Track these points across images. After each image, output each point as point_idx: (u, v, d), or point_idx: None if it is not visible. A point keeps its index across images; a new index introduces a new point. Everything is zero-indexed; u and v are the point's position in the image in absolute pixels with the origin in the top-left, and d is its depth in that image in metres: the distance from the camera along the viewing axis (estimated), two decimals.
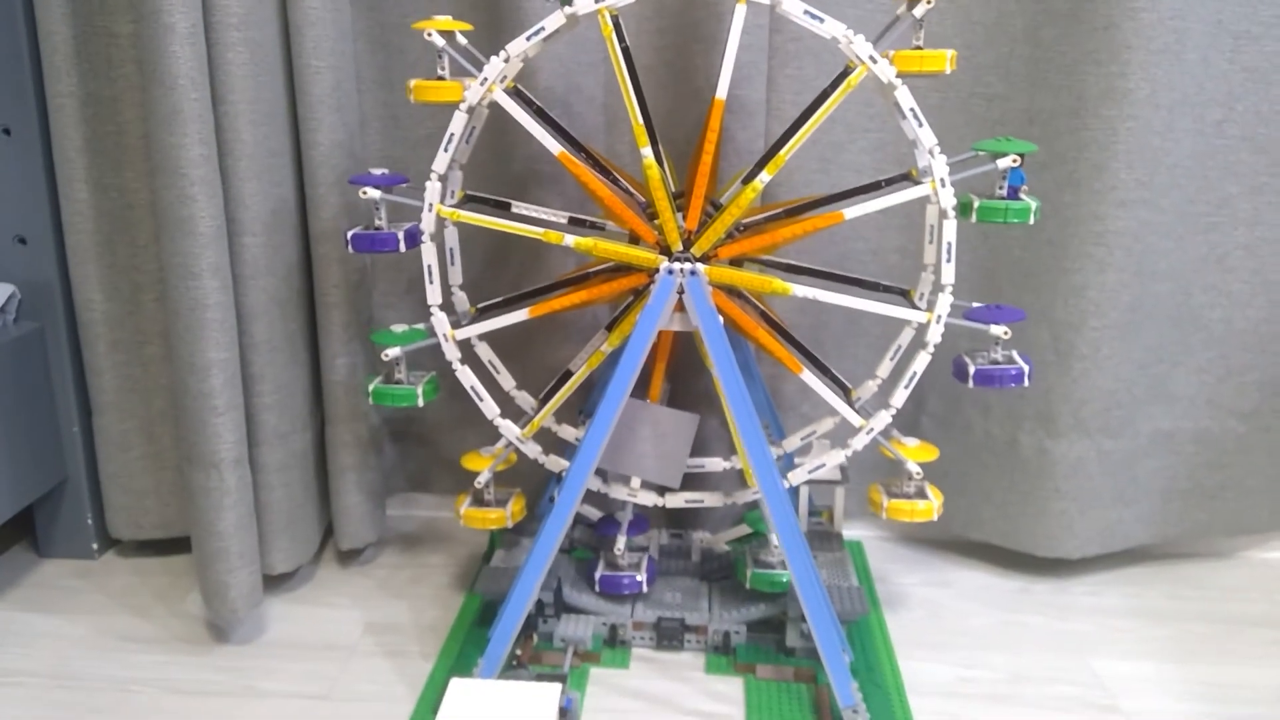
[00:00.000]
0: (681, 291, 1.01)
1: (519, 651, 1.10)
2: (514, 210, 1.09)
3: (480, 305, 1.12)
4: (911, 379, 1.06)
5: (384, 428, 1.41)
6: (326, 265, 1.20)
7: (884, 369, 1.10)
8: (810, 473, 1.11)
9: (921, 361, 1.05)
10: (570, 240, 1.03)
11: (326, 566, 1.36)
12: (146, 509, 1.33)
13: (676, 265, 1.01)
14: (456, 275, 1.10)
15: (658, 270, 1.02)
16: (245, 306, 1.14)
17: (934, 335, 1.05)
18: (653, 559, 1.18)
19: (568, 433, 1.18)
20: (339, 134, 1.17)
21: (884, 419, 1.07)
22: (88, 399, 1.29)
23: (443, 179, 1.03)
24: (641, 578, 1.13)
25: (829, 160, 1.28)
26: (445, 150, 1.02)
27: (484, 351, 1.14)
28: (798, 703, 1.07)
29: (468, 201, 1.10)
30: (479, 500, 1.15)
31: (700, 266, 1.02)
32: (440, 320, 1.09)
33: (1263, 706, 1.09)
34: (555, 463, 1.14)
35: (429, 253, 1.05)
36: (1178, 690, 1.12)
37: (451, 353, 1.09)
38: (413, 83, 1.03)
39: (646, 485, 1.12)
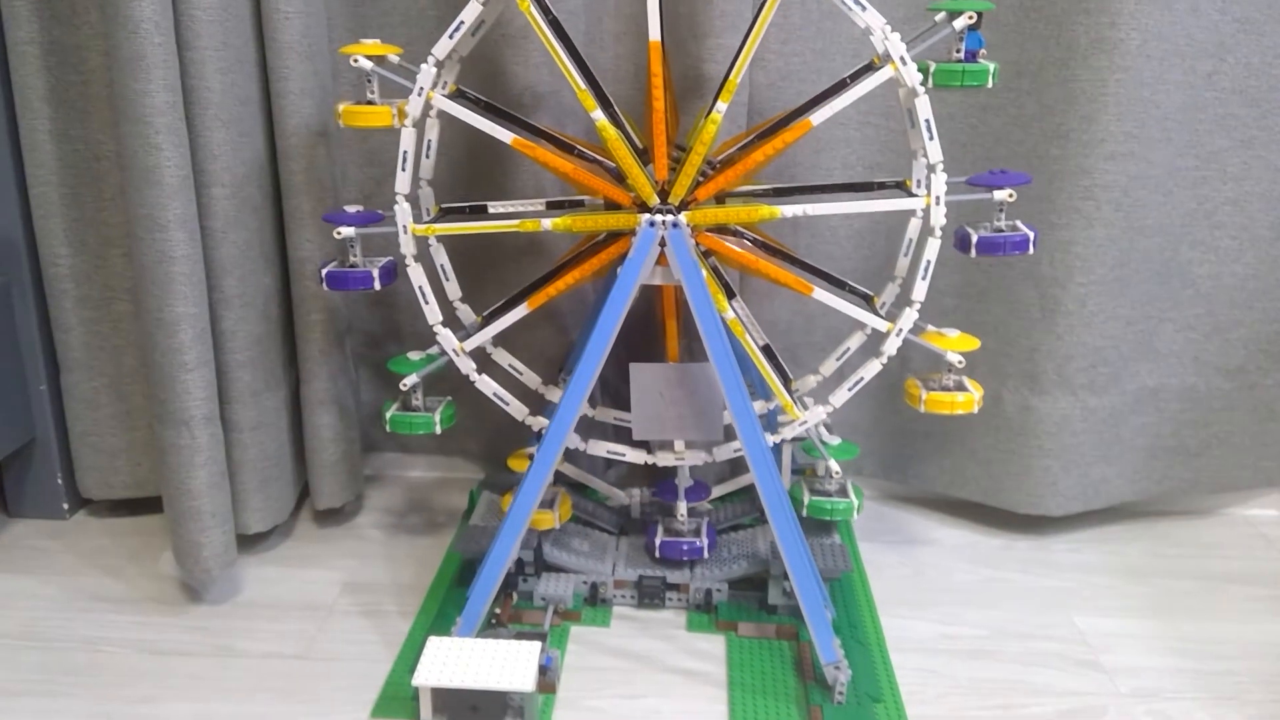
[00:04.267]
0: (664, 244, 0.99)
1: (498, 610, 1.09)
2: (491, 211, 1.06)
3: (485, 312, 1.09)
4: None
5: (361, 385, 1.38)
6: (299, 220, 1.17)
7: (889, 292, 1.10)
8: (850, 389, 1.06)
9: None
10: (547, 223, 1.01)
11: (303, 526, 1.34)
12: (117, 468, 1.30)
13: (658, 218, 0.99)
14: (454, 290, 1.08)
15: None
16: (216, 260, 1.11)
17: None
18: (712, 525, 1.16)
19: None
20: (308, 82, 1.14)
21: (910, 317, 1.03)
22: (55, 356, 1.26)
23: (410, 198, 1.01)
24: (703, 543, 1.12)
25: (823, 152, 1.26)
26: (403, 169, 0.99)
27: (502, 357, 1.12)
28: (780, 660, 1.06)
29: (444, 215, 1.07)
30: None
31: (681, 216, 0.99)
32: (446, 337, 1.06)
33: (1242, 661, 1.09)
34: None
35: (417, 274, 1.03)
36: (1158, 646, 1.12)
37: (466, 366, 1.07)
38: (341, 108, 1.00)
39: (692, 445, 1.10)
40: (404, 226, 1.03)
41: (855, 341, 1.11)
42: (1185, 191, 1.24)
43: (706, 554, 1.13)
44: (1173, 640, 1.13)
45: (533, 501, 1.03)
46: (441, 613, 1.13)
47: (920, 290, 1.02)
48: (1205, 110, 1.21)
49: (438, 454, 1.45)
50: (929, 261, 1.01)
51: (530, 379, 1.13)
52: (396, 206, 1.03)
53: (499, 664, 0.92)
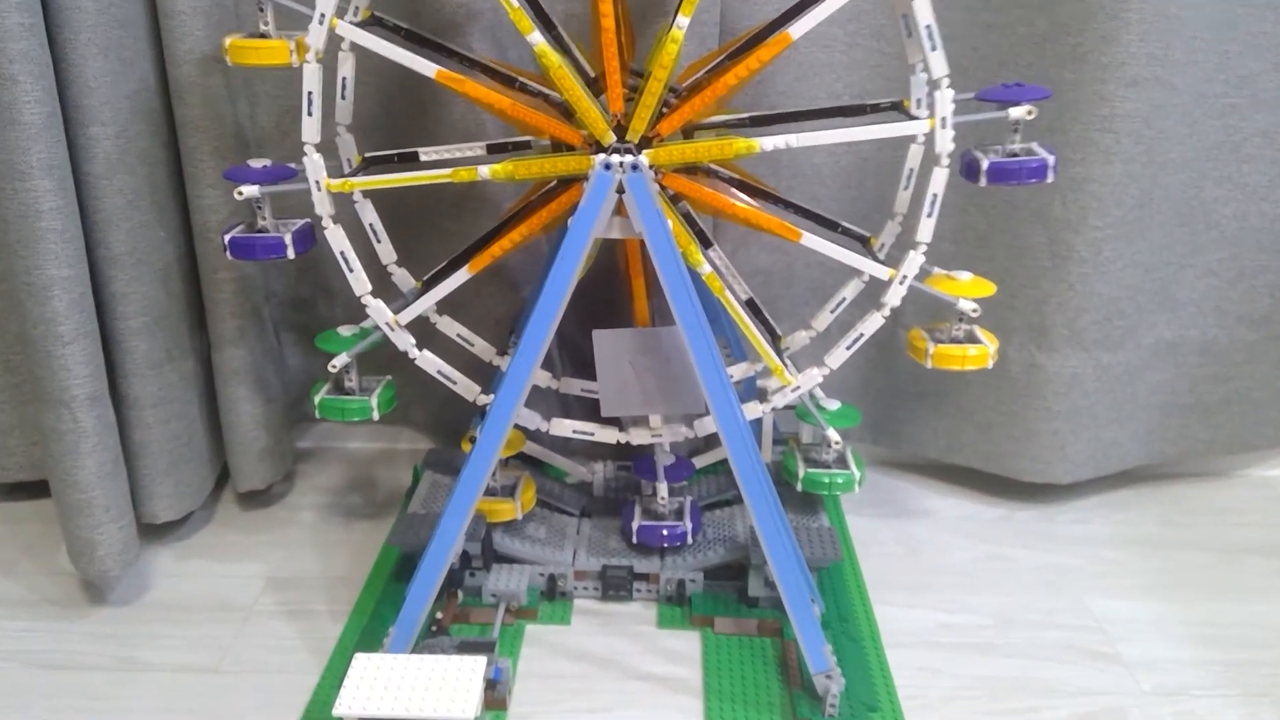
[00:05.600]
0: (622, 190, 0.83)
1: (439, 615, 0.95)
2: (424, 159, 0.92)
3: (426, 277, 0.95)
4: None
5: (288, 349, 1.23)
6: (198, 164, 1.01)
7: (888, 232, 0.96)
8: (848, 348, 0.93)
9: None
10: (484, 171, 0.86)
11: (225, 510, 1.19)
12: (10, 448, 1.15)
13: (614, 159, 0.83)
14: (388, 252, 0.95)
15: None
16: (99, 213, 0.95)
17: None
18: (696, 504, 1.03)
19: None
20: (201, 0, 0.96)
21: (916, 261, 0.89)
22: None
23: (326, 147, 0.87)
24: (686, 526, 0.99)
25: (805, 80, 1.10)
26: (309, 114, 0.84)
27: (449, 326, 0.98)
28: (762, 660, 0.94)
29: (369, 166, 0.93)
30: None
31: (641, 156, 0.84)
32: (377, 310, 0.92)
33: (1271, 650, 0.98)
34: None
35: (337, 238, 0.89)
36: (1179, 633, 1.00)
37: (403, 341, 0.92)
38: (227, 42, 0.86)
39: (670, 419, 0.97)
40: (316, 182, 0.88)
41: (851, 291, 0.96)
42: (1212, 121, 1.10)
43: (691, 539, 1.00)
44: (1194, 625, 1.01)
45: (475, 491, 0.88)
46: (377, 613, 1.00)
47: (926, 229, 0.88)
48: (1237, 28, 1.07)
49: (380, 423, 1.29)
50: (935, 195, 0.87)
51: (483, 349, 0.99)
52: (305, 159, 0.87)
53: (437, 687, 0.79)
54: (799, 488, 0.98)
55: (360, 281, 0.91)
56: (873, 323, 0.92)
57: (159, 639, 0.98)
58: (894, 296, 0.91)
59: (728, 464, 1.05)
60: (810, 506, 1.05)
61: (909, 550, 1.14)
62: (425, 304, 0.93)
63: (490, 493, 0.99)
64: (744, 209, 0.90)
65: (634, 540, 0.99)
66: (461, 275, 0.92)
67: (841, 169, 1.15)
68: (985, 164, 0.86)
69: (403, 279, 0.98)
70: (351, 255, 0.90)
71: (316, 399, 0.97)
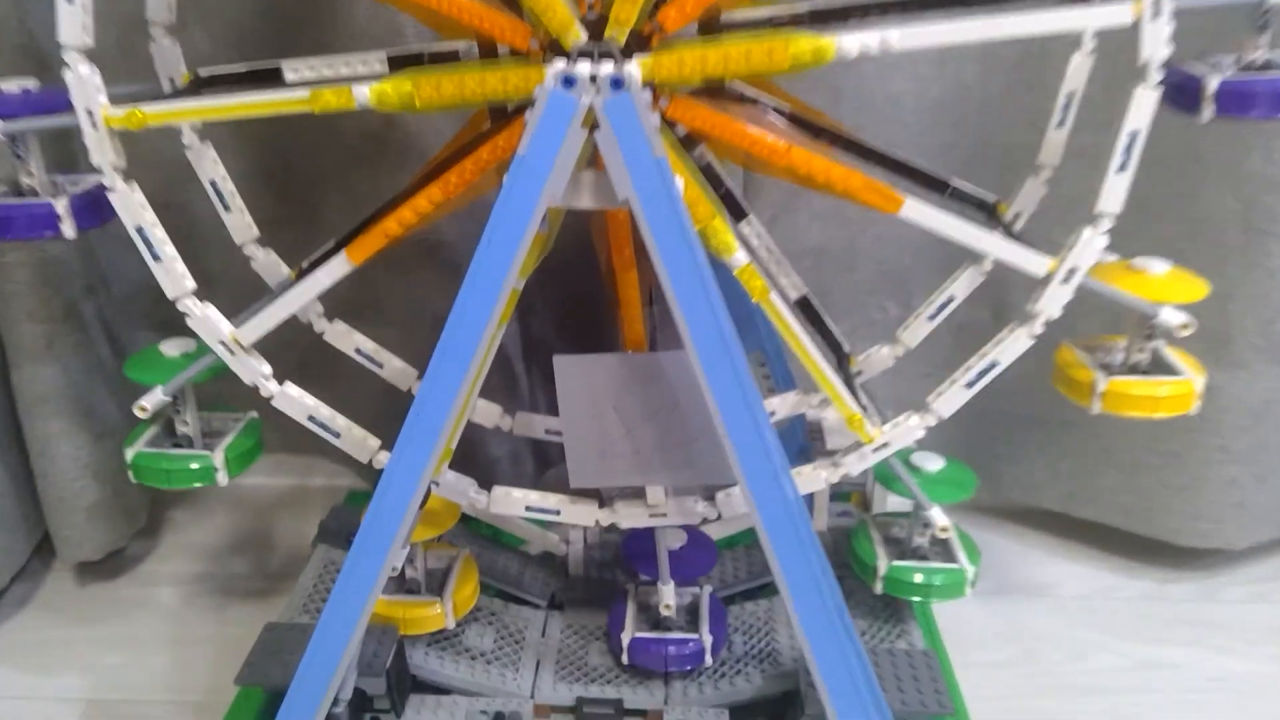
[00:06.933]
0: (594, 125, 0.48)
1: None
2: (290, 77, 0.62)
3: (306, 264, 0.65)
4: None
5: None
6: None
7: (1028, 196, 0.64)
8: (970, 384, 0.60)
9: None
10: (364, 94, 0.52)
11: (53, 588, 0.87)
12: None
13: (581, 68, 0.47)
14: (243, 225, 0.65)
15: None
16: None
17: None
18: (717, 601, 0.71)
19: None
20: None
21: (1094, 246, 0.56)
22: None
23: (98, 55, 0.55)
24: (703, 641, 0.67)
25: None
26: (70, 1, 0.52)
27: (345, 340, 0.67)
28: None
29: (201, 88, 0.63)
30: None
31: (631, 64, 0.48)
32: (206, 322, 0.59)
33: None
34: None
35: (129, 207, 0.57)
36: None
37: (247, 371, 0.60)
38: None
39: (680, 491, 0.66)
40: (87, 112, 0.52)
41: (964, 286, 0.66)
42: None
43: (710, 657, 0.68)
44: None
45: (364, 594, 0.55)
46: None
47: (1114, 193, 0.55)
48: None
49: (283, 452, 0.95)
50: (1133, 135, 0.53)
51: (399, 373, 0.67)
52: (68, 73, 0.53)
53: None
54: (877, 588, 0.64)
55: (171, 279, 0.56)
56: (1013, 345, 0.57)
57: None
58: (1053, 302, 0.56)
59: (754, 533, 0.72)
60: (893, 613, 0.71)
61: (1022, 653, 0.81)
62: (280, 312, 0.57)
63: (408, 586, 0.65)
64: (800, 154, 0.54)
65: (625, 660, 0.68)
66: (340, 265, 0.57)
67: (931, 102, 0.82)
68: (1214, 85, 0.52)
69: (269, 267, 0.62)
70: (155, 232, 0.57)
71: (129, 453, 0.63)
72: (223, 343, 0.58)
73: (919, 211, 0.54)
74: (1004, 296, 0.75)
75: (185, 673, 0.77)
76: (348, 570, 0.56)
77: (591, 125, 0.48)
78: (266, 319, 0.58)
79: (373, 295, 0.80)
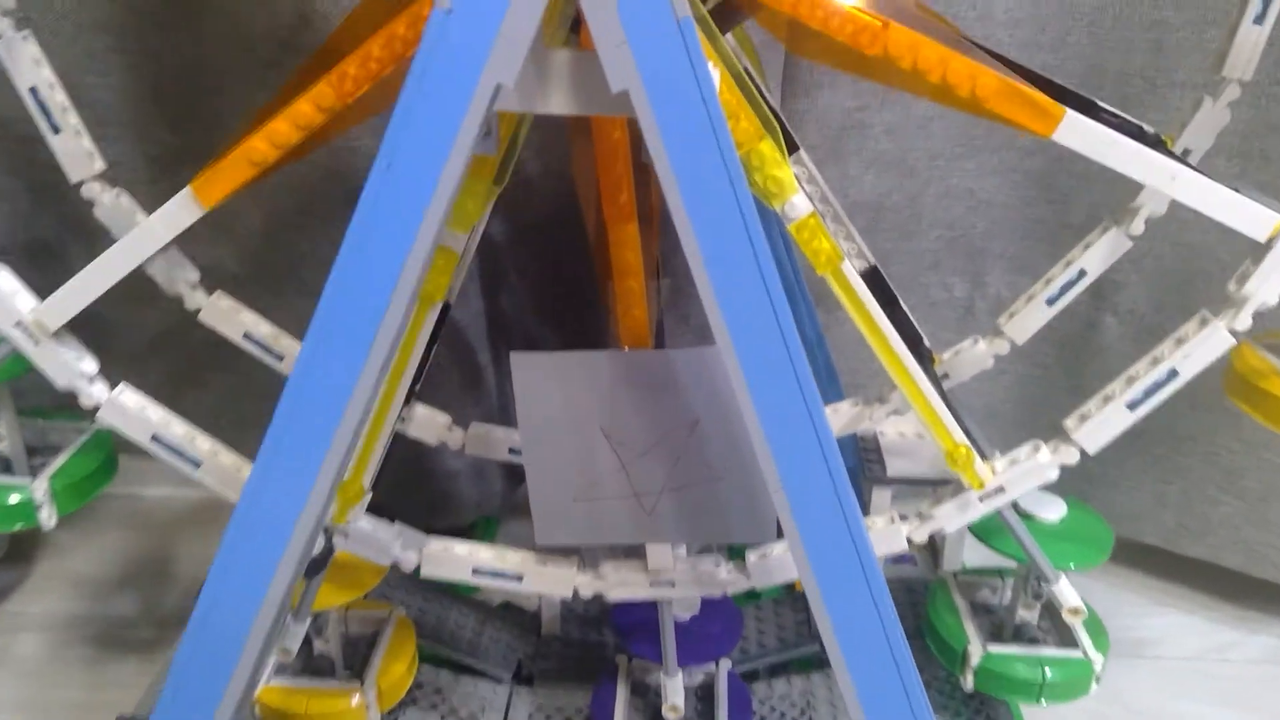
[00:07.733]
0: None
1: None
2: None
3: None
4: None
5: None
6: None
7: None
8: (1133, 405, 0.45)
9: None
10: None
11: None
12: None
13: None
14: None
15: None
16: None
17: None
18: (736, 679, 0.55)
19: None
20: None
21: None
22: None
23: None
24: None
25: None
26: None
27: (228, 317, 0.50)
28: None
29: None
30: None
31: None
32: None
33: None
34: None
35: (18, 63, 0.45)
36: None
37: (56, 368, 0.42)
38: None
39: (706, 550, 0.50)
40: None
41: (1098, 257, 0.52)
42: None
43: None
44: None
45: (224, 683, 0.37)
46: None
47: None
48: None
49: None
50: None
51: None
52: None
53: None
54: (967, 682, 0.46)
55: (77, 154, 0.45)
56: (1205, 346, 0.39)
57: None
58: (1274, 280, 0.37)
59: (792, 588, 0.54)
60: (980, 705, 0.53)
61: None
62: (96, 281, 0.39)
63: (315, 666, 0.47)
64: (924, 48, 0.35)
65: None
66: (183, 208, 0.38)
67: (1026, 14, 0.64)
68: None
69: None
70: (55, 96, 0.45)
71: None
72: (20, 325, 0.39)
73: (1085, 132, 0.35)
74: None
75: None
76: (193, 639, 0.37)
77: None
78: (76, 293, 0.39)
79: (289, 259, 0.62)
